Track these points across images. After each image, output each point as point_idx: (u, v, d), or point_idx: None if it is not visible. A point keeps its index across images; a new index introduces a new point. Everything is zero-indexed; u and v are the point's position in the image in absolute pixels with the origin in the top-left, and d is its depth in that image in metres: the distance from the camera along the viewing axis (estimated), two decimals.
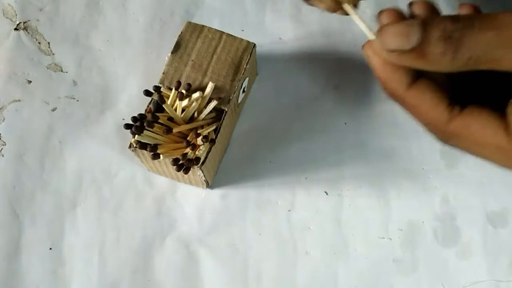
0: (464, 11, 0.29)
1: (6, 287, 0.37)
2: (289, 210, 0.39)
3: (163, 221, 0.39)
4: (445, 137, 0.28)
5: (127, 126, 0.32)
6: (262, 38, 0.40)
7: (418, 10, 0.29)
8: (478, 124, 0.26)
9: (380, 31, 0.27)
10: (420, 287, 0.37)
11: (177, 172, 0.37)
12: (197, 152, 0.32)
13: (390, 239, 0.38)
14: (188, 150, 0.33)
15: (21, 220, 0.39)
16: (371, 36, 0.28)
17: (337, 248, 0.38)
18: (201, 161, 0.33)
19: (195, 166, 0.33)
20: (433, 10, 0.28)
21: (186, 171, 0.32)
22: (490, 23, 0.24)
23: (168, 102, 0.33)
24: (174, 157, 0.32)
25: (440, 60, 0.25)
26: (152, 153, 0.32)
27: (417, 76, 0.28)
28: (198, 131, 0.34)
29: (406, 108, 0.28)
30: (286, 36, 0.44)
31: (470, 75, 0.27)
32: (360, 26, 0.29)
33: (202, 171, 0.34)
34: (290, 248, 0.38)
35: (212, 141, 0.32)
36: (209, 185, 0.39)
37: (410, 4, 0.29)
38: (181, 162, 0.32)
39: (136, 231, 0.38)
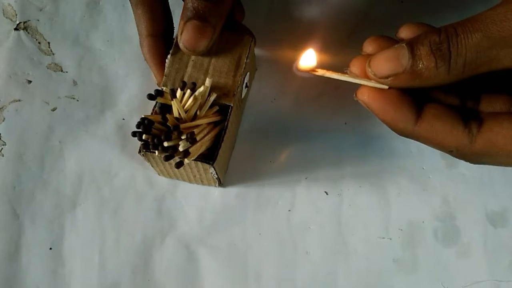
0: (405, 33, 0.28)
1: (6, 287, 0.37)
2: (289, 210, 0.39)
3: (163, 221, 0.39)
4: (474, 158, 0.27)
5: (135, 134, 0.32)
6: (263, 38, 0.40)
7: (405, 34, 0.28)
8: (503, 136, 0.25)
9: (370, 62, 0.27)
10: (420, 287, 0.37)
11: (189, 173, 0.37)
12: (179, 148, 0.32)
13: (390, 239, 0.38)
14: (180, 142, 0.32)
15: (21, 220, 0.39)
16: (362, 82, 0.28)
17: (337, 248, 0.38)
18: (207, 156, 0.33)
19: (207, 165, 0.33)
20: (419, 30, 0.28)
21: (179, 165, 0.32)
22: (473, 26, 0.24)
23: (176, 105, 0.33)
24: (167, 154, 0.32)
25: (435, 74, 0.25)
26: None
27: (421, 106, 0.27)
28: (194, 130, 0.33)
29: (423, 142, 0.27)
30: (286, 37, 0.44)
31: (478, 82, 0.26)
32: (345, 79, 0.29)
33: (214, 169, 0.34)
34: (290, 248, 0.38)
35: (194, 141, 0.32)
36: (221, 183, 0.39)
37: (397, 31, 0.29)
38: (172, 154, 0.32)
39: (136, 231, 0.38)
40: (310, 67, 0.30)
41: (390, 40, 0.28)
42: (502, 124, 0.25)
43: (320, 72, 0.30)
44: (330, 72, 0.29)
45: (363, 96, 0.28)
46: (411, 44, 0.25)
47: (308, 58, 0.30)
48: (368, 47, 0.28)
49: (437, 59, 0.24)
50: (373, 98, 0.27)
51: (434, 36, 0.25)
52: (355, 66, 0.28)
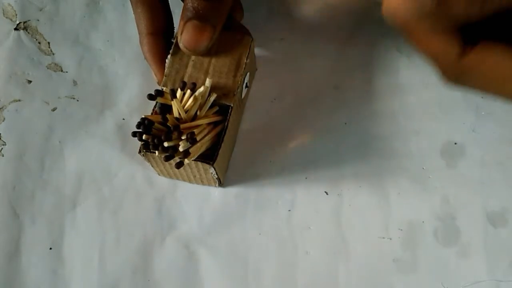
0: None
1: (6, 287, 0.37)
2: (289, 210, 0.39)
3: (163, 221, 0.39)
4: (456, 73, 0.25)
5: (135, 134, 0.32)
6: (263, 38, 0.40)
7: None
8: (496, 57, 0.24)
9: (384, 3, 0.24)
10: (420, 287, 0.37)
11: (189, 173, 0.37)
12: (180, 149, 0.32)
13: (390, 239, 0.38)
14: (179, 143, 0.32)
15: (21, 220, 0.39)
16: None
17: (337, 248, 0.38)
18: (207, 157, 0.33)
19: (207, 165, 0.33)
20: None
21: (179, 165, 0.32)
22: None
23: (176, 105, 0.33)
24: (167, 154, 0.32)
25: (469, 9, 0.22)
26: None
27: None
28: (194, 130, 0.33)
29: (415, 40, 0.26)
30: (286, 36, 0.44)
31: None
32: None
33: (214, 169, 0.34)
34: (290, 248, 0.38)
35: (194, 141, 0.32)
36: (221, 183, 0.39)
37: None
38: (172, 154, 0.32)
39: (136, 231, 0.38)
40: None
41: None
42: (496, 48, 0.24)
43: None
44: None
45: None
46: None
47: None
48: None
49: None
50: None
51: None
52: None
